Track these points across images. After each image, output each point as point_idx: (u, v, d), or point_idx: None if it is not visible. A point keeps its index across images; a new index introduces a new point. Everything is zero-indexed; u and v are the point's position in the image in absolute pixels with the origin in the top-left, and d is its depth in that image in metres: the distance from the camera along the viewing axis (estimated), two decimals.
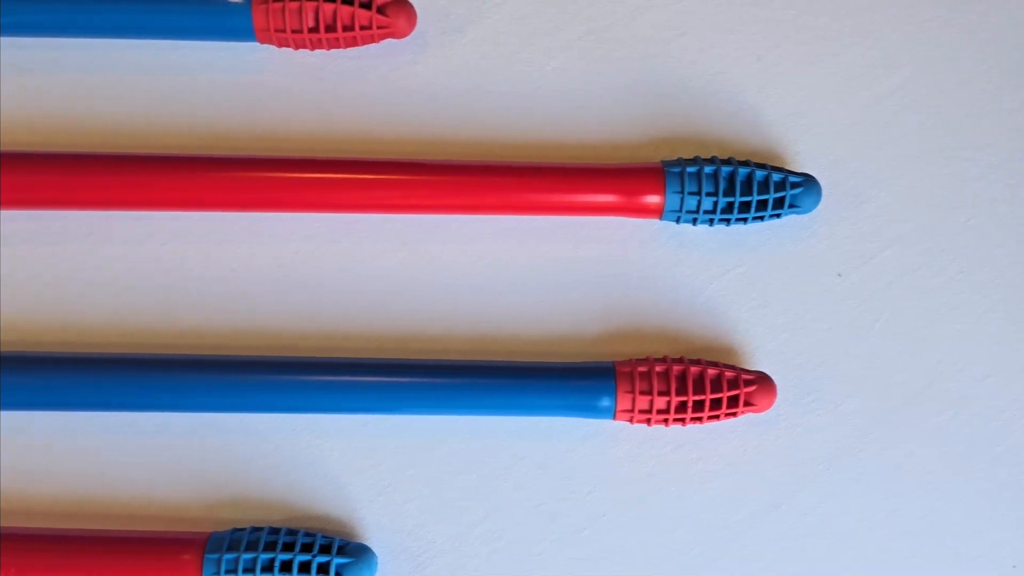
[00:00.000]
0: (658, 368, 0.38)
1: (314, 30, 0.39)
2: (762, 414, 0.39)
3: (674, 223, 0.40)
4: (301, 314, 0.41)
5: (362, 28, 0.39)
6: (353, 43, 0.40)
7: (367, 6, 0.39)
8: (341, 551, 0.38)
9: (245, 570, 0.37)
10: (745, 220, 0.39)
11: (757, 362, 0.40)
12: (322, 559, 0.37)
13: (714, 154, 0.41)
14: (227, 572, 0.37)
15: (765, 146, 0.41)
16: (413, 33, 0.41)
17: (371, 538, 0.40)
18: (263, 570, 0.37)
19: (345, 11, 0.39)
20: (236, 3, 0.39)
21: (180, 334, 0.41)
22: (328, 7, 0.39)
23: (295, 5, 0.39)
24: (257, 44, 0.41)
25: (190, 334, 0.41)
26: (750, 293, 0.40)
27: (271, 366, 0.39)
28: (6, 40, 0.41)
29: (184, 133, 0.41)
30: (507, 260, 0.41)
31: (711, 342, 0.40)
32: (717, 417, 0.38)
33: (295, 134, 0.41)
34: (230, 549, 0.37)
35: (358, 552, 0.38)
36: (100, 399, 0.39)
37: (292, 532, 0.38)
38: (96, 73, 0.42)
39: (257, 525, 0.39)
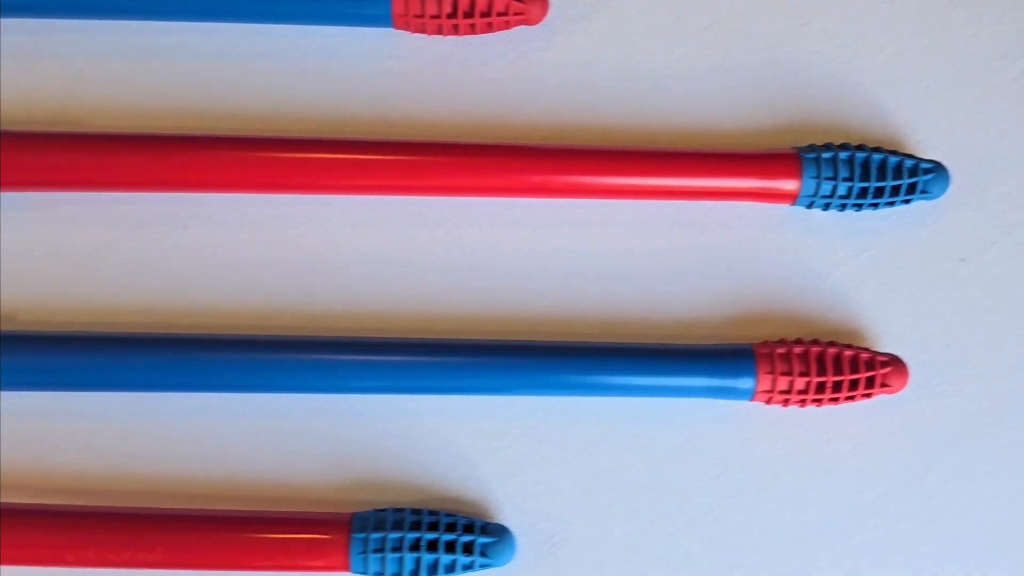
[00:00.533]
0: (796, 349, 0.39)
1: (452, 15, 0.40)
2: (889, 396, 0.40)
3: (803, 208, 0.41)
4: (433, 297, 0.41)
5: (498, 15, 0.40)
6: (487, 29, 0.40)
7: None
8: (483, 531, 0.38)
9: (392, 549, 0.37)
10: (876, 205, 0.40)
11: (883, 345, 0.41)
12: (466, 538, 0.38)
13: (837, 141, 0.41)
14: (374, 551, 0.37)
15: (887, 134, 0.42)
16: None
17: (504, 519, 0.40)
18: (410, 549, 0.37)
19: None
20: None
21: (293, 316, 0.41)
22: None
23: None
24: (386, 30, 0.41)
25: (305, 316, 0.41)
26: (876, 278, 0.41)
27: (402, 347, 0.40)
28: (144, 24, 0.41)
29: (312, 118, 0.42)
30: (635, 245, 0.41)
31: (838, 325, 0.41)
32: (852, 398, 0.39)
33: (423, 120, 0.42)
34: (375, 529, 0.38)
35: (499, 532, 0.38)
36: (229, 381, 0.39)
37: (433, 513, 0.39)
38: (229, 59, 0.42)
39: (393, 507, 0.39)
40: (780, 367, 0.38)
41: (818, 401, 0.39)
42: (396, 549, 0.37)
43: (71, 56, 0.42)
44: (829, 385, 0.38)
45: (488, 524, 0.39)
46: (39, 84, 0.42)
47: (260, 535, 0.38)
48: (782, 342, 0.39)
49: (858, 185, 0.39)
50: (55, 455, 0.40)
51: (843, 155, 0.39)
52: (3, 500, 0.39)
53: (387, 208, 0.41)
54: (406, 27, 0.40)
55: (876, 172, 0.39)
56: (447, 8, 0.40)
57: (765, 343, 0.39)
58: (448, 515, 0.39)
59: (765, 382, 0.38)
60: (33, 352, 0.39)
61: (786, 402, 0.39)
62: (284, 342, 0.40)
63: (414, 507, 0.39)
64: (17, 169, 0.40)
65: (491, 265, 0.41)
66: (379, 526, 0.38)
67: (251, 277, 0.41)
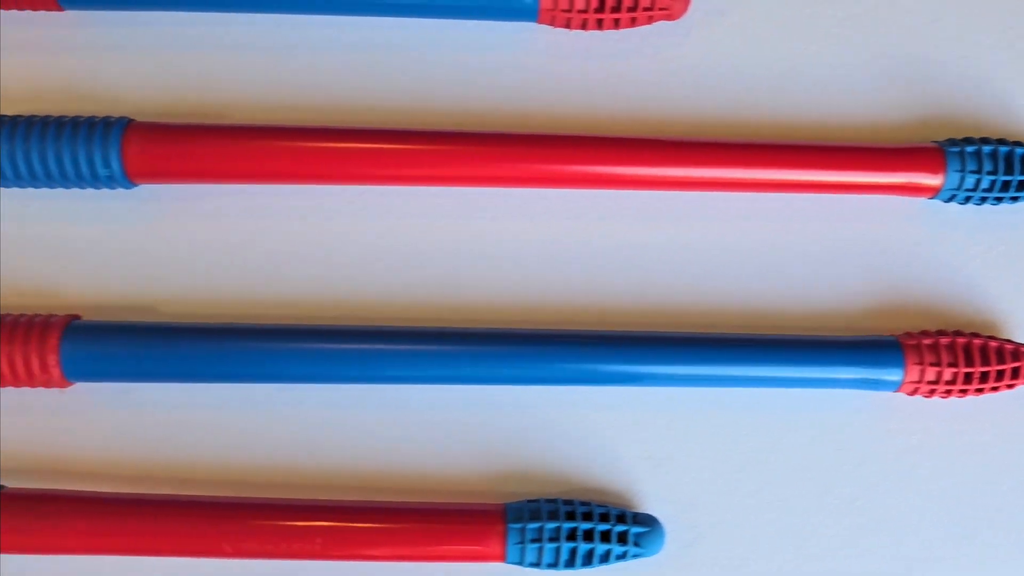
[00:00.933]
0: (943, 340, 0.39)
1: (599, 10, 0.40)
2: None
3: (938, 202, 0.41)
4: (578, 288, 0.41)
5: (644, 9, 0.40)
6: (630, 24, 0.41)
7: None
8: (633, 521, 0.39)
9: (549, 539, 0.38)
10: (1017, 199, 0.40)
11: (1019, 337, 0.41)
12: (620, 528, 0.38)
13: (970, 135, 0.42)
14: (531, 541, 0.38)
15: (1019, 129, 0.42)
16: None
17: (649, 510, 0.40)
18: (566, 539, 0.38)
19: None
20: None
21: (438, 308, 0.41)
22: None
23: None
24: (527, 24, 0.42)
25: (449, 308, 0.41)
26: (1010, 270, 0.42)
27: (548, 338, 0.40)
28: (285, 17, 0.42)
29: (451, 112, 0.42)
30: (773, 238, 0.42)
31: (973, 317, 0.41)
32: (996, 389, 0.39)
33: (563, 115, 0.42)
34: (530, 519, 0.38)
35: (649, 521, 0.39)
36: (374, 373, 0.40)
37: (583, 503, 0.39)
38: (368, 52, 0.42)
39: (537, 498, 0.39)
40: (928, 358, 0.39)
41: (963, 392, 0.39)
42: (552, 539, 0.38)
43: (211, 49, 0.42)
44: (976, 376, 0.39)
45: (638, 514, 0.39)
46: (178, 77, 0.42)
47: (417, 525, 0.38)
48: (926, 333, 0.40)
49: (1001, 179, 0.40)
50: (202, 447, 0.40)
51: (986, 149, 0.40)
52: (155, 492, 0.39)
53: (534, 200, 0.42)
54: (551, 22, 0.41)
55: (1020, 166, 0.40)
56: (595, 3, 0.40)
57: (909, 334, 0.40)
58: (598, 505, 0.39)
59: (913, 373, 0.39)
60: (178, 343, 0.39)
61: (931, 393, 0.39)
62: (429, 333, 0.40)
63: (563, 498, 0.39)
64: (155, 162, 0.40)
65: (635, 257, 0.42)
66: (534, 516, 0.38)
67: (394, 268, 0.41)
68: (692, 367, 0.40)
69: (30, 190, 0.40)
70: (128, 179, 0.39)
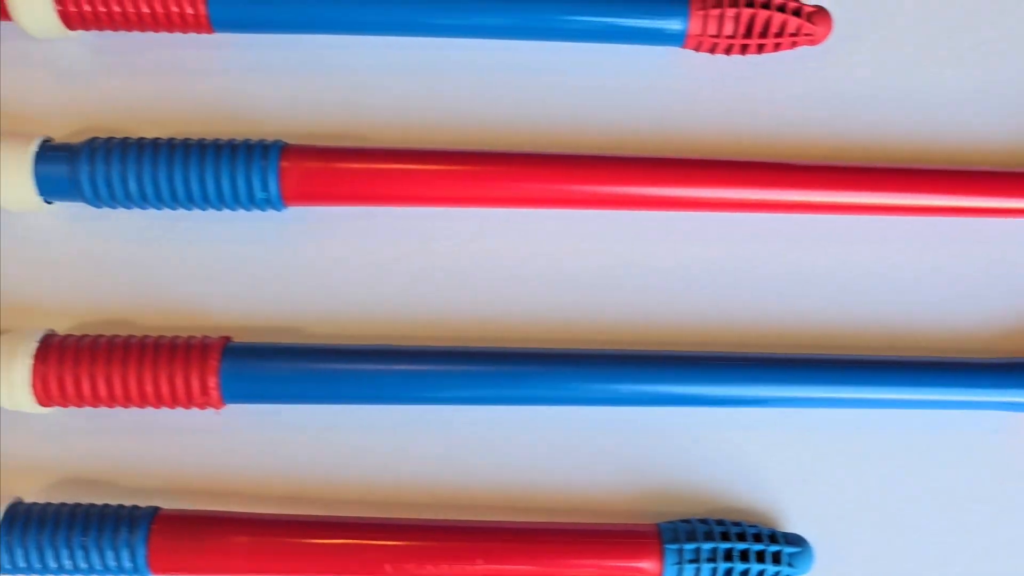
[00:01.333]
0: None
1: (746, 36, 0.41)
2: None
3: None
4: (712, 310, 0.42)
5: (790, 35, 0.41)
6: (775, 49, 0.41)
7: (797, 13, 0.41)
8: (784, 540, 0.39)
9: (707, 560, 0.38)
10: None
11: None
12: (773, 548, 0.39)
13: None
14: (689, 561, 0.38)
15: None
16: None
17: (792, 529, 0.41)
18: (723, 559, 0.38)
19: (778, 18, 0.40)
20: (674, 9, 0.40)
21: (582, 329, 0.42)
22: (764, 14, 0.40)
23: (734, 12, 0.40)
24: (672, 49, 0.42)
25: (593, 329, 0.42)
26: None
27: (691, 360, 0.40)
28: (427, 40, 0.42)
29: (593, 136, 0.42)
30: (910, 259, 0.43)
31: None
32: None
33: (706, 139, 0.43)
34: (687, 540, 0.38)
35: (798, 541, 0.39)
36: (520, 393, 0.40)
37: (735, 523, 0.39)
38: (512, 75, 0.43)
39: (685, 518, 0.40)
40: None
41: None
42: (710, 560, 0.38)
43: (358, 71, 0.42)
44: None
45: (787, 534, 0.39)
46: (322, 100, 0.42)
47: (576, 545, 0.38)
48: None
49: None
50: (351, 467, 0.41)
51: None
52: (298, 513, 0.39)
53: (672, 222, 0.42)
54: (697, 47, 0.41)
55: None
56: (743, 28, 0.40)
57: None
58: (749, 525, 0.39)
59: None
60: (330, 364, 0.40)
61: None
62: (576, 355, 0.40)
63: (710, 518, 0.40)
64: (310, 184, 0.40)
65: (781, 280, 0.42)
66: (689, 537, 0.39)
67: (539, 290, 0.42)
68: (837, 389, 0.40)
69: (180, 211, 0.41)
70: (282, 202, 0.40)
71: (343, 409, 0.40)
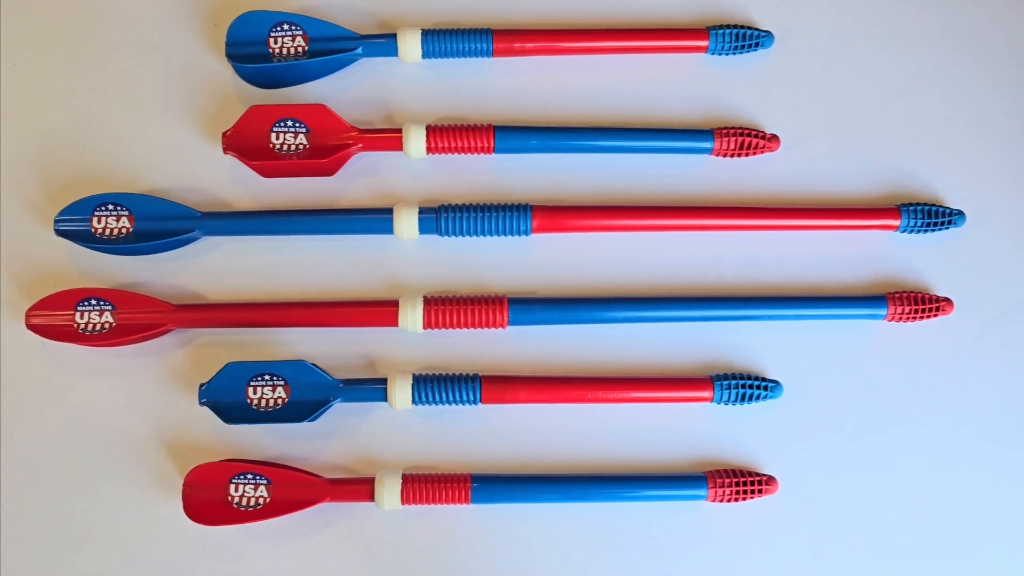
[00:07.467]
0: None
1: (739, 148, 0.87)
2: None
3: None
4: None
5: (759, 147, 0.87)
6: (752, 154, 0.88)
7: (763, 137, 0.87)
8: (767, 381, 0.85)
9: (728, 386, 0.84)
10: None
11: None
12: (761, 382, 0.85)
13: None
14: (724, 387, 0.84)
15: None
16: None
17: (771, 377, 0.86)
18: (738, 386, 0.84)
19: (753, 140, 0.87)
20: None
21: None
22: (748, 140, 0.87)
23: (736, 140, 0.87)
24: (704, 156, 0.89)
25: None
26: None
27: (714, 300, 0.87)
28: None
29: (671, 194, 0.89)
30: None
31: None
32: None
33: (721, 195, 0.90)
34: (723, 378, 0.84)
35: (776, 383, 0.85)
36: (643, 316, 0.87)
37: (745, 375, 0.85)
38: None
39: (722, 373, 0.85)
40: None
41: None
42: (730, 386, 0.84)
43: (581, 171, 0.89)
44: None
45: (769, 379, 0.85)
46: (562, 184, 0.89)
47: (671, 382, 0.84)
48: None
49: None
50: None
51: None
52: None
53: (687, 242, 0.89)
54: (717, 154, 0.88)
55: None
56: (737, 145, 0.87)
57: None
58: (751, 376, 0.85)
59: None
60: None
61: None
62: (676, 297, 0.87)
63: (732, 372, 0.86)
64: (549, 225, 0.86)
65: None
66: (723, 378, 0.84)
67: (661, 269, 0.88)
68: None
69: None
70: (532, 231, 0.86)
71: None
